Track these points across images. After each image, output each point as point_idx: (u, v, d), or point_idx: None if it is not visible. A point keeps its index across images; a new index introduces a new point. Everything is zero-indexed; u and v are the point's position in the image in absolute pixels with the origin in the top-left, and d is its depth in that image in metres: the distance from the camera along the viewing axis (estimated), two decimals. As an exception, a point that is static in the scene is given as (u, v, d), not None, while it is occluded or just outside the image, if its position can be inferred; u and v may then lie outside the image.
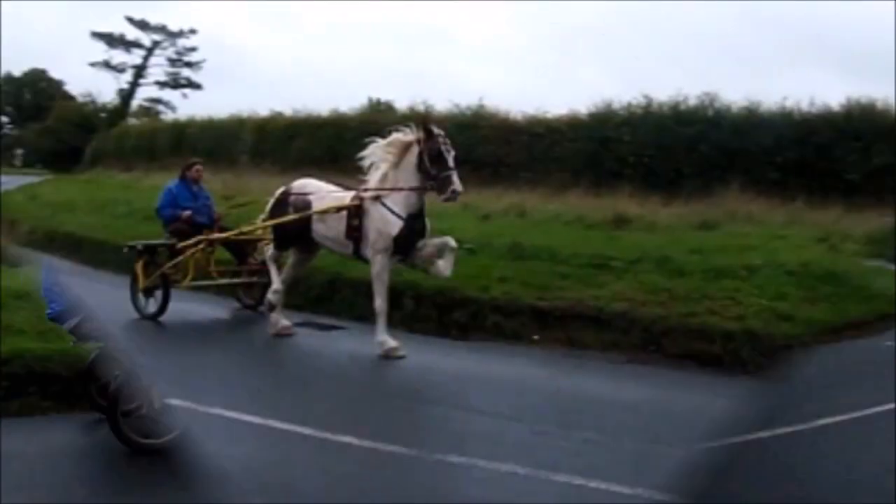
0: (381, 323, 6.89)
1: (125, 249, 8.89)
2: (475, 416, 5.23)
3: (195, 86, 52.76)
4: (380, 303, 6.89)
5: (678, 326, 7.10)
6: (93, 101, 52.78)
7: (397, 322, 7.52)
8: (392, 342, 6.81)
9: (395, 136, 7.04)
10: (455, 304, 8.01)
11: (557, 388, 6.13)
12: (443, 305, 8.06)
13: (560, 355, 7.18)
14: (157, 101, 52.51)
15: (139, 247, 8.55)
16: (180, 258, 8.18)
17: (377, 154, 7.12)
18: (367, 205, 7.01)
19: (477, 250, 9.36)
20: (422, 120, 7.59)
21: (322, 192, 7.53)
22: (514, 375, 6.43)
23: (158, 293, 8.19)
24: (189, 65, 52.48)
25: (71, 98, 54.96)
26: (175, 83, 52.87)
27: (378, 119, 17.73)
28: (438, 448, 4.51)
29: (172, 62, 52.50)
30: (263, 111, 25.84)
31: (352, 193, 7.23)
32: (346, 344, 7.38)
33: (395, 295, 7.49)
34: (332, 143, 20.70)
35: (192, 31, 51.42)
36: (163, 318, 8.12)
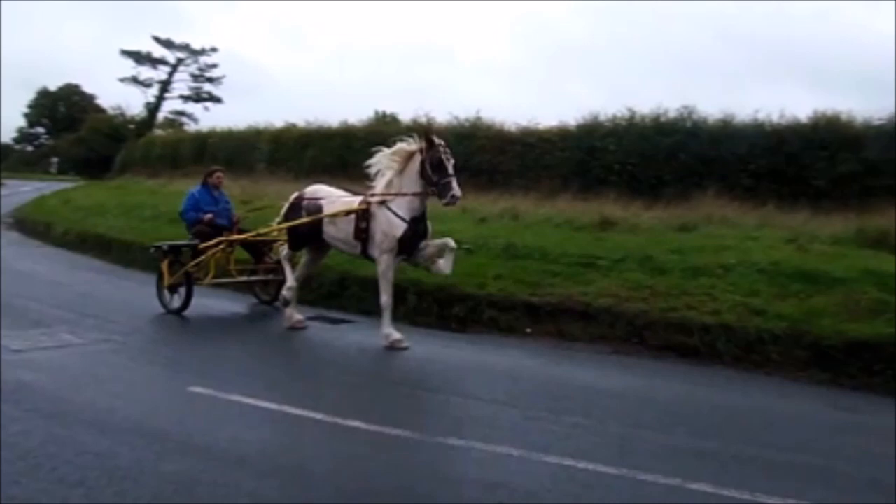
0: (386, 317, 6.89)
1: (151, 250, 8.91)
2: (473, 403, 5.21)
3: (216, 99, 52.96)
4: (385, 298, 6.88)
5: (659, 320, 7.09)
6: (122, 114, 53.11)
7: (401, 316, 7.52)
8: (396, 334, 6.81)
9: (400, 145, 7.03)
10: (454, 300, 8.00)
11: (548, 376, 6.11)
12: (443, 301, 8.05)
13: (551, 347, 7.17)
14: (181, 113, 52.77)
15: (164, 247, 8.55)
16: (202, 258, 8.18)
17: (383, 162, 7.11)
18: (374, 209, 7.00)
19: (474, 250, 9.36)
20: (424, 131, 7.58)
21: (332, 197, 7.52)
22: (509, 365, 6.41)
23: (182, 290, 8.20)
24: (210, 80, 52.68)
25: (102, 111, 55.35)
26: (197, 97, 53.10)
27: (384, 130, 17.77)
28: (439, 432, 4.50)
29: (195, 77, 52.75)
30: (279, 123, 25.91)
31: (360, 198, 7.22)
32: (354, 336, 7.37)
33: (400, 291, 7.49)
34: (341, 152, 20.75)
35: (214, 49, 51.56)
36: (186, 313, 8.12)
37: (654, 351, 6.94)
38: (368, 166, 7.24)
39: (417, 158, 6.82)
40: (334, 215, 7.29)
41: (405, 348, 6.71)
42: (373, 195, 7.07)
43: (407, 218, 6.84)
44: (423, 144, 6.83)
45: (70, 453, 3.89)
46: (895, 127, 14.66)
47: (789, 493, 3.71)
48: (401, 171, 6.92)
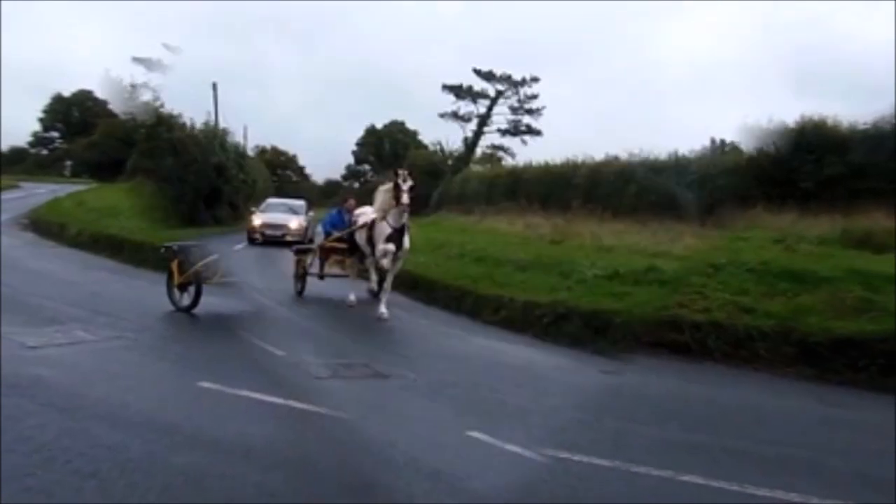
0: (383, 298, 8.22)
1: (162, 250, 8.89)
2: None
3: (535, 132, 43.97)
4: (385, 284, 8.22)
5: (652, 318, 7.09)
6: (133, 120, 52.72)
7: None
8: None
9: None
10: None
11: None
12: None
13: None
14: (500, 147, 45.03)
15: (174, 247, 8.54)
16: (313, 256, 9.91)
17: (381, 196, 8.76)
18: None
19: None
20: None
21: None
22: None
23: (191, 288, 8.18)
24: (530, 112, 43.57)
25: (114, 116, 55.07)
26: (515, 130, 46.35)
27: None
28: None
29: (514, 110, 45.70)
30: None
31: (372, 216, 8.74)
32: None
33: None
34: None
35: (535, 79, 43.13)
36: (195, 311, 8.10)
37: (647, 347, 6.93)
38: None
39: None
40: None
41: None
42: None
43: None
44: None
45: (84, 446, 3.88)
46: (890, 130, 14.60)
47: (778, 485, 3.71)
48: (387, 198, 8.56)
